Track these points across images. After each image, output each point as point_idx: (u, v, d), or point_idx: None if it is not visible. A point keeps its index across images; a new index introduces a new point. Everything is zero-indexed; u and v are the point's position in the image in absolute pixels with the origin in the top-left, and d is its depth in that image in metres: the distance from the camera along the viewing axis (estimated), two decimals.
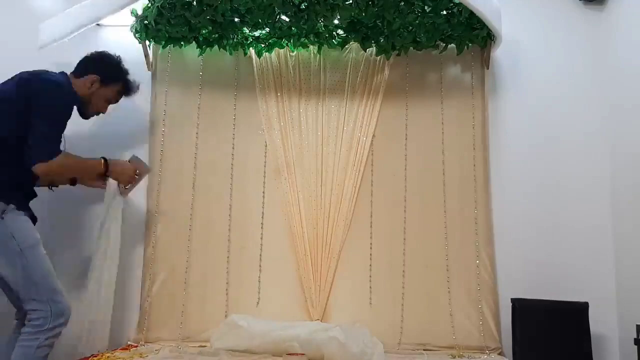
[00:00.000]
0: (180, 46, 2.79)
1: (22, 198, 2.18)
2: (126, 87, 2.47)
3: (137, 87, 2.51)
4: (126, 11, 2.64)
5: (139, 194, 2.68)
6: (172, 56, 2.85)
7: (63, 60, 2.77)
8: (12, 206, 2.09)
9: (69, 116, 2.23)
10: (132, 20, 2.66)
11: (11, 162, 2.12)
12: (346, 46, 2.79)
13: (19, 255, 2.06)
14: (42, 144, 2.12)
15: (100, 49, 2.84)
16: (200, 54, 2.79)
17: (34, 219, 2.20)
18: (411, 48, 2.74)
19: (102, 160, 2.38)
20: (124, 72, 2.46)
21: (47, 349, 2.05)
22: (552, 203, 2.71)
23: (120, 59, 2.45)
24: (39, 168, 2.10)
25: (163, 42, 2.74)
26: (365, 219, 2.73)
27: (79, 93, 2.30)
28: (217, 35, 2.72)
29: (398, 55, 2.78)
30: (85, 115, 2.43)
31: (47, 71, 2.25)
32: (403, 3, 2.48)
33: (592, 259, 2.65)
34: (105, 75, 2.37)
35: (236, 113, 2.84)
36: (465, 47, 2.72)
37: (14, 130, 2.10)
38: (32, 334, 2.02)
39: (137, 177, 2.50)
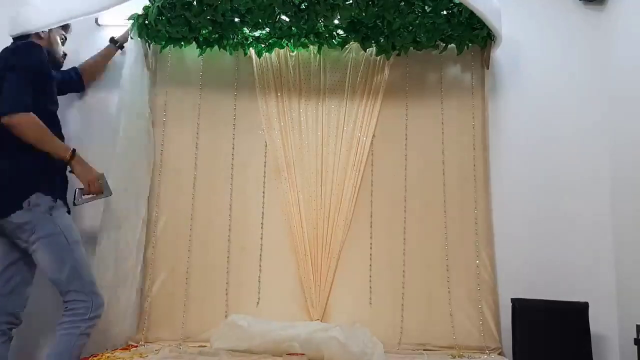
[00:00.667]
0: (180, 46, 2.79)
1: (63, 189, 2.28)
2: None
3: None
4: (126, 11, 2.64)
5: (139, 194, 2.67)
6: (172, 56, 2.85)
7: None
8: (59, 202, 2.20)
9: (41, 72, 2.27)
10: (132, 20, 2.66)
11: (39, 151, 2.19)
12: (346, 46, 2.79)
13: (68, 250, 2.15)
14: (12, 94, 2.14)
15: (100, 49, 2.87)
16: (200, 54, 2.79)
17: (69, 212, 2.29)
18: (411, 48, 2.74)
19: (71, 150, 2.29)
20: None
21: (86, 338, 2.14)
22: (552, 203, 2.71)
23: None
24: (8, 119, 2.12)
25: (163, 42, 2.74)
26: (365, 219, 2.73)
27: (42, 46, 2.36)
28: (217, 35, 2.72)
29: (398, 55, 2.78)
30: (57, 65, 2.58)
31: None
32: (403, 3, 2.48)
33: (592, 259, 2.65)
34: None
35: (236, 113, 2.84)
36: (465, 47, 2.72)
37: None
38: (75, 322, 2.10)
39: (95, 192, 2.36)
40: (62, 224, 2.17)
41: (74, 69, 2.73)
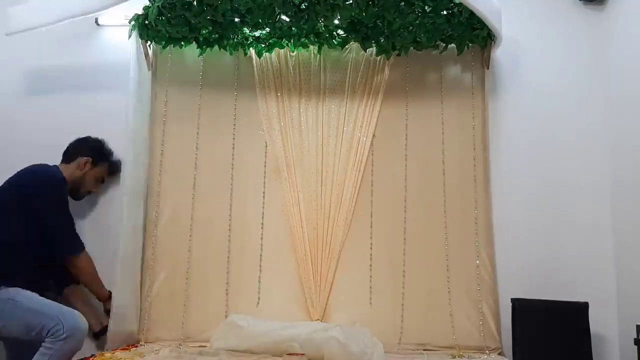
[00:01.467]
0: (181, 46, 2.79)
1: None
2: (113, 166, 2.70)
3: (121, 164, 2.66)
4: (126, 11, 2.65)
5: (139, 194, 2.67)
6: (172, 56, 2.85)
7: (63, 61, 2.79)
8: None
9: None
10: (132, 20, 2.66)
11: (27, 264, 2.30)
12: (346, 46, 2.79)
13: (12, 304, 2.19)
14: (68, 238, 2.42)
15: (100, 49, 2.88)
16: (201, 54, 2.79)
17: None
18: (411, 48, 2.74)
19: (109, 293, 2.56)
20: (110, 152, 2.70)
21: (61, 356, 2.13)
22: (552, 203, 2.71)
23: (103, 141, 2.68)
24: (73, 260, 2.44)
25: (163, 42, 2.74)
26: (365, 219, 2.72)
27: (68, 178, 2.52)
28: (217, 35, 2.72)
29: (398, 55, 2.78)
30: (77, 196, 2.65)
31: (35, 165, 2.44)
32: (403, 3, 2.48)
33: (592, 258, 2.65)
34: (95, 156, 2.61)
35: (236, 113, 2.84)
36: (466, 47, 2.72)
37: (21, 234, 2.28)
38: (50, 342, 2.12)
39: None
40: (10, 294, 2.22)
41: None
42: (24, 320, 2.17)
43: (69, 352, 2.15)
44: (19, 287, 2.23)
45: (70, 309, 2.27)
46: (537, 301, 2.48)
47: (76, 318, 2.20)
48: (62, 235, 2.40)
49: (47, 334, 2.13)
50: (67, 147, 2.62)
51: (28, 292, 2.23)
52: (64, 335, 2.12)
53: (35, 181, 2.37)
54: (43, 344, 2.12)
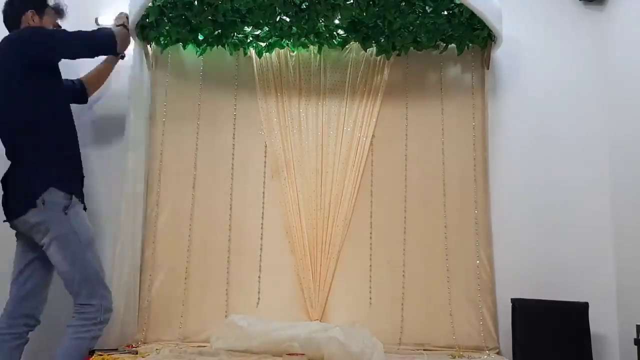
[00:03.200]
0: (184, 46, 2.77)
1: (78, 183, 2.25)
2: (58, 9, 2.44)
3: (64, 6, 2.46)
4: (126, 11, 2.64)
5: (139, 194, 2.67)
6: (172, 56, 2.85)
7: (64, 61, 2.76)
8: (74, 199, 2.15)
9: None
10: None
11: (51, 146, 2.18)
12: (346, 46, 2.80)
13: (80, 251, 2.13)
14: (96, 37, 2.42)
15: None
16: (201, 54, 2.78)
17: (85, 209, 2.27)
18: (411, 48, 2.75)
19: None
20: None
21: (95, 341, 2.14)
22: (552, 203, 2.71)
23: None
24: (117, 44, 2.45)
25: (164, 42, 2.73)
26: (365, 219, 2.73)
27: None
28: (217, 34, 2.71)
29: (398, 55, 2.78)
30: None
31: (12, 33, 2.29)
32: (404, 3, 2.49)
33: (592, 259, 2.65)
34: (36, 6, 2.34)
35: (236, 113, 2.84)
36: (466, 47, 2.73)
37: (36, 113, 2.16)
38: (87, 327, 2.09)
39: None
40: (76, 224, 2.14)
41: (78, 80, 2.64)
42: (72, 274, 2.10)
43: (97, 338, 2.14)
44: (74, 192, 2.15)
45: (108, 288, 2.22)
46: (537, 301, 2.48)
47: (111, 299, 2.18)
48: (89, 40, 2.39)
49: (81, 307, 2.09)
50: (3, 11, 2.33)
51: (85, 223, 2.17)
52: (100, 319, 2.11)
53: (28, 37, 2.22)
54: (75, 327, 2.08)
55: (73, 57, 2.44)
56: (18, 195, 2.13)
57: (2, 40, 2.24)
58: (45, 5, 2.38)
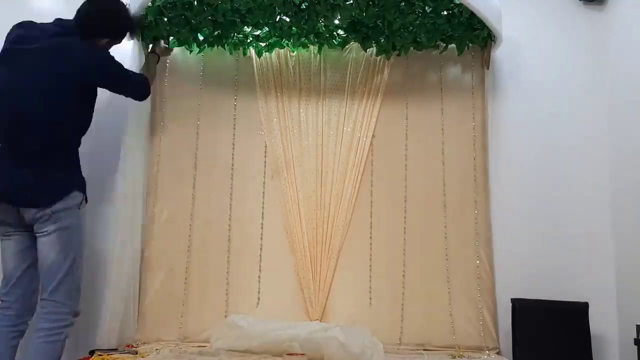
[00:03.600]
0: (186, 47, 2.78)
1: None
2: (132, 32, 2.54)
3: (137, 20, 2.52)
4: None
5: (138, 194, 2.67)
6: (172, 56, 2.84)
7: None
8: (84, 203, 2.25)
9: None
10: None
11: (73, 147, 2.27)
12: (346, 46, 2.80)
13: (76, 248, 2.18)
14: (134, 80, 2.46)
15: None
16: (200, 52, 2.78)
17: None
18: (411, 48, 2.75)
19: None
20: (131, 23, 2.44)
21: (65, 342, 2.12)
22: (552, 203, 2.71)
23: (126, 8, 2.39)
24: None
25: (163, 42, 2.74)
26: (365, 219, 2.73)
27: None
28: (217, 34, 2.71)
29: (398, 55, 2.78)
30: None
31: (77, 43, 2.26)
32: (404, 3, 2.49)
33: (592, 259, 2.65)
34: (114, 35, 2.39)
35: (236, 113, 2.84)
36: (466, 47, 2.73)
37: (69, 114, 2.21)
38: (59, 329, 2.09)
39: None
40: (82, 223, 2.23)
41: None
42: (59, 267, 2.11)
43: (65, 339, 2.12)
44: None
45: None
46: (537, 301, 2.48)
47: (80, 308, 2.20)
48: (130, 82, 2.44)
49: (53, 306, 2.09)
50: (85, 17, 2.27)
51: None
52: (70, 321, 2.12)
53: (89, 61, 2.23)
54: (46, 330, 2.05)
55: (111, 90, 2.44)
56: (54, 187, 2.14)
57: (66, 41, 2.21)
58: (122, 39, 2.45)
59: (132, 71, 2.50)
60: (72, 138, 2.26)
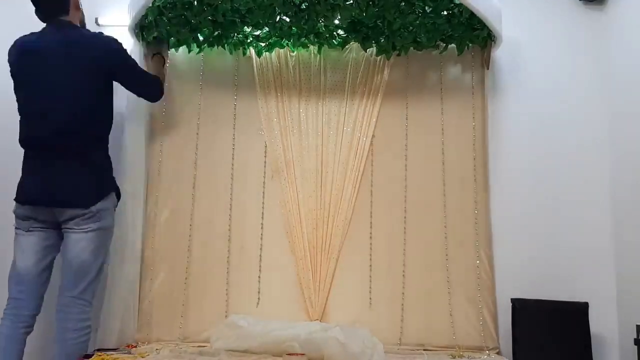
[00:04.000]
0: (186, 46, 2.78)
1: None
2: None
3: None
4: (126, 11, 2.64)
5: (138, 194, 2.67)
6: (172, 56, 2.84)
7: None
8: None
9: None
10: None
11: (104, 144, 2.33)
12: (346, 46, 2.80)
13: (107, 249, 2.26)
14: (149, 80, 2.49)
15: None
16: (199, 52, 2.78)
17: None
18: (411, 48, 2.75)
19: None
20: None
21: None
22: (552, 203, 2.71)
23: None
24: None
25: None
26: (365, 219, 2.72)
27: (81, 24, 2.39)
28: (217, 34, 2.71)
29: (398, 55, 2.78)
30: None
31: (88, 31, 2.35)
32: (404, 3, 2.49)
33: (592, 259, 2.65)
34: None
35: (236, 113, 2.84)
36: (466, 47, 2.73)
37: (98, 108, 2.27)
38: (88, 328, 2.14)
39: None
40: (114, 225, 2.31)
41: None
42: (91, 267, 2.16)
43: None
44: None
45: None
46: (537, 301, 2.49)
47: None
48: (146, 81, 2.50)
49: (83, 305, 2.13)
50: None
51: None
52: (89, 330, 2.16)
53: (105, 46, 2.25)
54: (78, 331, 2.10)
55: (128, 85, 2.44)
56: (83, 192, 2.16)
57: (72, 34, 2.23)
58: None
59: (141, 69, 2.50)
60: (103, 134, 2.30)
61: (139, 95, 2.51)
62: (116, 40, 2.30)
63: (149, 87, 2.49)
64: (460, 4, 2.46)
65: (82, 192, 2.15)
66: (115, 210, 2.32)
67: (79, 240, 2.13)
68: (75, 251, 2.14)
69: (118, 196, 2.36)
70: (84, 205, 2.13)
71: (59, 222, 2.16)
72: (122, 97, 2.68)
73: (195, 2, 2.49)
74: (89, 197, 2.15)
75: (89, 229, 2.14)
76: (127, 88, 2.44)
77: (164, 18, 2.57)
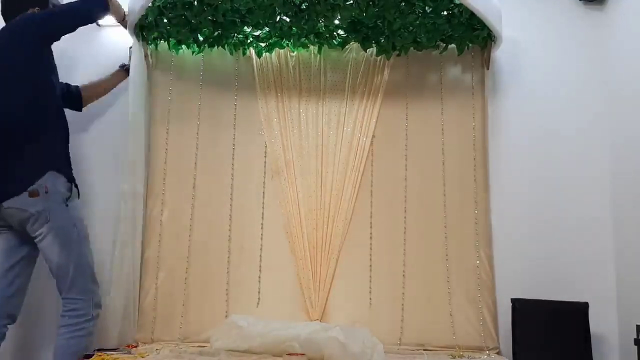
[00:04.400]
0: (184, 46, 2.78)
1: (71, 170, 2.25)
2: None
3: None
4: (125, 11, 2.64)
5: (138, 194, 2.67)
6: (172, 57, 2.84)
7: (64, 62, 2.78)
8: (75, 191, 2.18)
9: None
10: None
11: (57, 129, 2.22)
12: (346, 46, 2.79)
13: (77, 245, 2.14)
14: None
15: (100, 49, 2.87)
16: (199, 52, 2.78)
17: None
18: (411, 48, 2.74)
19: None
20: None
21: (91, 337, 2.15)
22: (552, 203, 2.71)
23: None
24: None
25: (163, 42, 2.74)
26: (365, 219, 2.72)
27: None
28: (217, 34, 2.71)
29: (398, 55, 2.78)
30: None
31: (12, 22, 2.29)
32: (404, 3, 2.49)
33: (592, 258, 2.65)
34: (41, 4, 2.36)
35: (236, 113, 2.84)
36: (466, 47, 2.72)
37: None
38: (80, 324, 2.11)
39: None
40: (75, 217, 2.18)
41: (75, 87, 2.65)
42: (67, 267, 2.11)
43: (91, 335, 2.14)
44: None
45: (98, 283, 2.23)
46: (537, 301, 2.49)
47: (99, 294, 2.20)
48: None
49: (71, 303, 2.10)
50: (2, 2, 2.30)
51: (81, 216, 2.20)
52: (92, 314, 2.13)
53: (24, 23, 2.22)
54: (68, 326, 2.08)
55: (66, 23, 2.32)
56: (15, 177, 2.09)
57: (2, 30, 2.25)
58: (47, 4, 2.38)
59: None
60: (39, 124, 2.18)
61: (74, 27, 2.36)
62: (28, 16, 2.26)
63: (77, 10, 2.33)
64: (460, 4, 2.46)
65: (13, 184, 2.09)
66: (67, 204, 2.14)
67: (43, 248, 2.13)
68: (46, 257, 2.14)
69: (71, 187, 2.19)
70: (15, 194, 2.07)
71: (17, 228, 2.14)
72: (122, 97, 2.69)
73: (195, 2, 2.49)
74: (16, 190, 2.07)
75: (41, 234, 2.09)
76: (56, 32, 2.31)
77: (164, 18, 2.57)
